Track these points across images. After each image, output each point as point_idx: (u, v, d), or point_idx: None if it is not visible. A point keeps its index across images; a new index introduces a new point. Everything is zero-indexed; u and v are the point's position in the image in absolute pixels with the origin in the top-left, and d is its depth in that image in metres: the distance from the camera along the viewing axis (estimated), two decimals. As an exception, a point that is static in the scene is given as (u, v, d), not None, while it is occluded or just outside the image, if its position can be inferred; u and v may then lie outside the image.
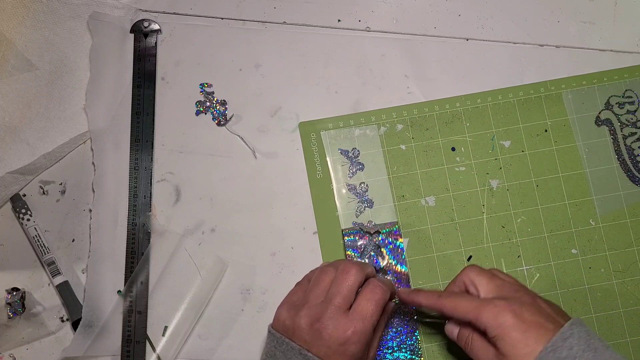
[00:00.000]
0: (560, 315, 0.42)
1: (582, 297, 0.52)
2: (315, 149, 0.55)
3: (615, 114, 0.56)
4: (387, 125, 0.56)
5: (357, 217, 0.54)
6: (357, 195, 0.54)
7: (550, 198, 0.54)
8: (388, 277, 0.52)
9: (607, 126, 0.56)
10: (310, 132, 0.56)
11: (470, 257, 0.53)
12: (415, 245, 0.53)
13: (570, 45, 0.58)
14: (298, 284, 0.46)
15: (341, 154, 0.55)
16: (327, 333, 0.41)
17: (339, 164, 0.55)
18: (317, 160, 0.55)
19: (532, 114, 0.56)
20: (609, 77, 0.56)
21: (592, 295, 0.53)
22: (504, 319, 0.40)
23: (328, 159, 0.55)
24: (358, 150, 0.55)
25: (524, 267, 0.53)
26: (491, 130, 0.55)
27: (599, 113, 0.56)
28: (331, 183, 0.55)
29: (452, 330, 0.45)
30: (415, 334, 0.51)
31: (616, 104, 0.56)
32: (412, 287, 0.53)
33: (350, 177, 0.55)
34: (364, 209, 0.54)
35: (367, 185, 0.55)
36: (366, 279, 0.45)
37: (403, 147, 0.55)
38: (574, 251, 0.53)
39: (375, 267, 0.51)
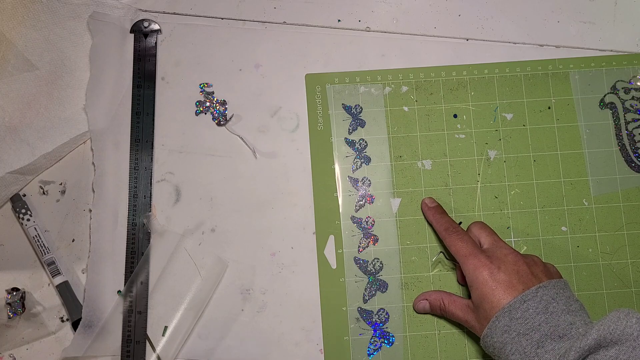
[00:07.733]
0: (544, 276, 0.45)
1: (566, 275, 0.53)
2: (319, 102, 0.56)
3: (621, 99, 0.56)
4: (393, 85, 0.56)
5: (353, 172, 0.55)
6: (355, 151, 0.55)
7: (546, 174, 0.55)
8: None
9: (610, 110, 0.56)
10: (315, 84, 0.56)
11: (460, 223, 0.53)
12: (407, 206, 0.54)
13: (570, 45, 0.58)
14: None
15: (344, 109, 0.56)
16: None
17: (340, 118, 0.56)
18: (320, 112, 0.56)
19: (537, 90, 0.56)
20: (618, 61, 0.57)
21: (578, 274, 0.53)
22: (479, 274, 0.45)
23: (330, 112, 0.56)
24: (361, 107, 0.56)
25: (512, 239, 0.54)
26: (495, 101, 0.56)
27: (604, 96, 0.56)
28: (331, 136, 0.55)
29: (424, 305, 0.51)
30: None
31: (622, 89, 0.56)
32: (436, 205, 0.53)
33: (350, 132, 0.55)
34: (361, 165, 0.55)
35: (366, 142, 0.55)
36: None
37: (406, 108, 0.56)
38: (563, 228, 0.54)
39: None
